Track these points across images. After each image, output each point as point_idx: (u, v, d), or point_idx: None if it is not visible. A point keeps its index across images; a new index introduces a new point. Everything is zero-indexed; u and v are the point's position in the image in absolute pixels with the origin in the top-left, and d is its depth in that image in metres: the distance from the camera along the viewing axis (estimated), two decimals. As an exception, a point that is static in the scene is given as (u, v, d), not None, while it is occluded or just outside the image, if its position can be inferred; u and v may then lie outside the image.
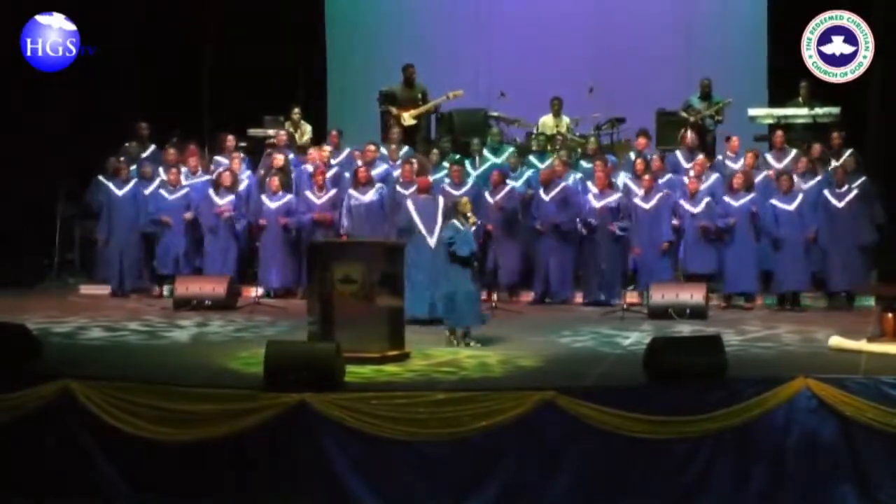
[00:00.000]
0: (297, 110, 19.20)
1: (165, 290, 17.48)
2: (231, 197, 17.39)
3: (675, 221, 16.76)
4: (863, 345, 12.97)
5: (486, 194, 17.07)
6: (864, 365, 12.03)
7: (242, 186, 17.69)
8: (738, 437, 11.08)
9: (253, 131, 19.54)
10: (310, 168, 17.85)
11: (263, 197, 17.31)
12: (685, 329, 14.74)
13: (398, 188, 16.92)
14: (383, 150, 18.26)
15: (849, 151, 17.50)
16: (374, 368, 12.38)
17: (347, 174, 17.77)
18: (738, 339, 13.98)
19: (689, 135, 18.14)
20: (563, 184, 17.13)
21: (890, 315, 13.20)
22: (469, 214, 14.00)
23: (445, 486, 11.16)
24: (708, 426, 11.05)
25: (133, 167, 18.29)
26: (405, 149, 18.35)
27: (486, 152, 18.34)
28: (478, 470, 11.14)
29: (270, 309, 16.36)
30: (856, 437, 11.03)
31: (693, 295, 15.69)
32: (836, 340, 13.22)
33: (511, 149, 18.54)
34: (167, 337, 14.57)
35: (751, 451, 11.10)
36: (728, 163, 17.78)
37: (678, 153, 18.08)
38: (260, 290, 16.84)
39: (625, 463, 11.12)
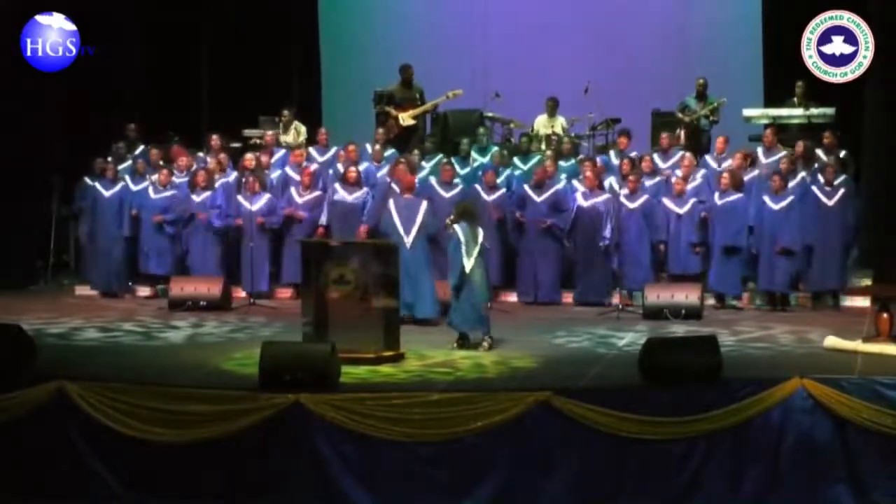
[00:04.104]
0: (286, 112, 19.21)
1: (159, 290, 17.47)
2: (207, 194, 17.40)
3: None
4: (858, 345, 12.95)
5: (482, 192, 17.04)
6: (860, 365, 12.04)
7: (217, 184, 17.66)
8: (734, 438, 11.10)
9: (248, 131, 19.55)
10: (291, 170, 17.90)
11: (240, 198, 17.27)
12: (680, 329, 14.72)
13: (393, 187, 16.91)
14: (368, 148, 18.29)
15: (842, 153, 17.50)
16: (368, 369, 12.38)
17: (331, 171, 17.82)
18: (732, 339, 13.97)
19: (663, 136, 18.14)
20: (554, 186, 17.13)
21: (885, 315, 13.20)
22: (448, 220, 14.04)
23: (440, 487, 11.16)
24: (703, 427, 11.05)
25: (122, 166, 18.28)
26: (390, 151, 18.36)
27: (473, 153, 18.35)
28: (473, 471, 11.14)
29: (265, 310, 16.35)
30: (851, 438, 11.04)
31: (688, 295, 15.69)
32: (831, 341, 13.21)
33: (495, 148, 18.55)
34: (162, 338, 14.56)
35: (746, 451, 11.11)
36: (711, 162, 17.76)
37: (655, 155, 18.00)
38: (249, 292, 16.82)
39: (620, 464, 11.12)
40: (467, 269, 13.61)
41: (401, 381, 11.96)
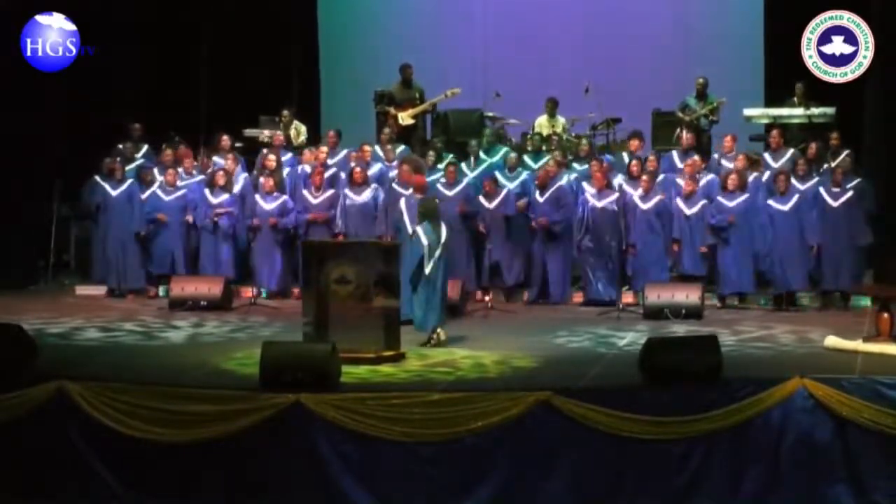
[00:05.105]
0: (286, 112, 19.21)
1: (161, 290, 17.46)
2: (226, 196, 17.39)
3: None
4: (859, 345, 12.95)
5: (482, 199, 17.03)
6: (860, 365, 12.03)
7: (238, 187, 17.67)
8: (734, 438, 11.09)
9: (249, 131, 19.55)
10: (307, 168, 17.86)
11: (257, 197, 17.30)
12: (681, 329, 14.71)
13: (395, 187, 16.89)
14: (379, 151, 18.26)
15: (846, 152, 17.50)
16: (369, 369, 12.38)
17: (343, 174, 17.78)
18: (733, 339, 13.96)
19: (685, 135, 18.13)
20: (557, 184, 17.11)
21: (886, 315, 13.19)
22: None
23: (440, 487, 11.16)
24: (703, 427, 11.05)
25: (129, 167, 18.27)
26: (401, 148, 18.35)
27: (480, 153, 18.33)
28: (473, 471, 11.14)
29: (265, 310, 16.34)
30: (851, 438, 11.03)
31: (689, 295, 15.68)
32: (831, 340, 13.21)
33: (505, 148, 18.53)
34: (162, 337, 14.56)
35: (746, 451, 11.10)
36: (724, 162, 17.77)
37: (674, 154, 18.06)
38: (255, 291, 16.83)
39: (620, 463, 11.12)
40: (426, 271, 13.68)
41: (401, 381, 11.96)
